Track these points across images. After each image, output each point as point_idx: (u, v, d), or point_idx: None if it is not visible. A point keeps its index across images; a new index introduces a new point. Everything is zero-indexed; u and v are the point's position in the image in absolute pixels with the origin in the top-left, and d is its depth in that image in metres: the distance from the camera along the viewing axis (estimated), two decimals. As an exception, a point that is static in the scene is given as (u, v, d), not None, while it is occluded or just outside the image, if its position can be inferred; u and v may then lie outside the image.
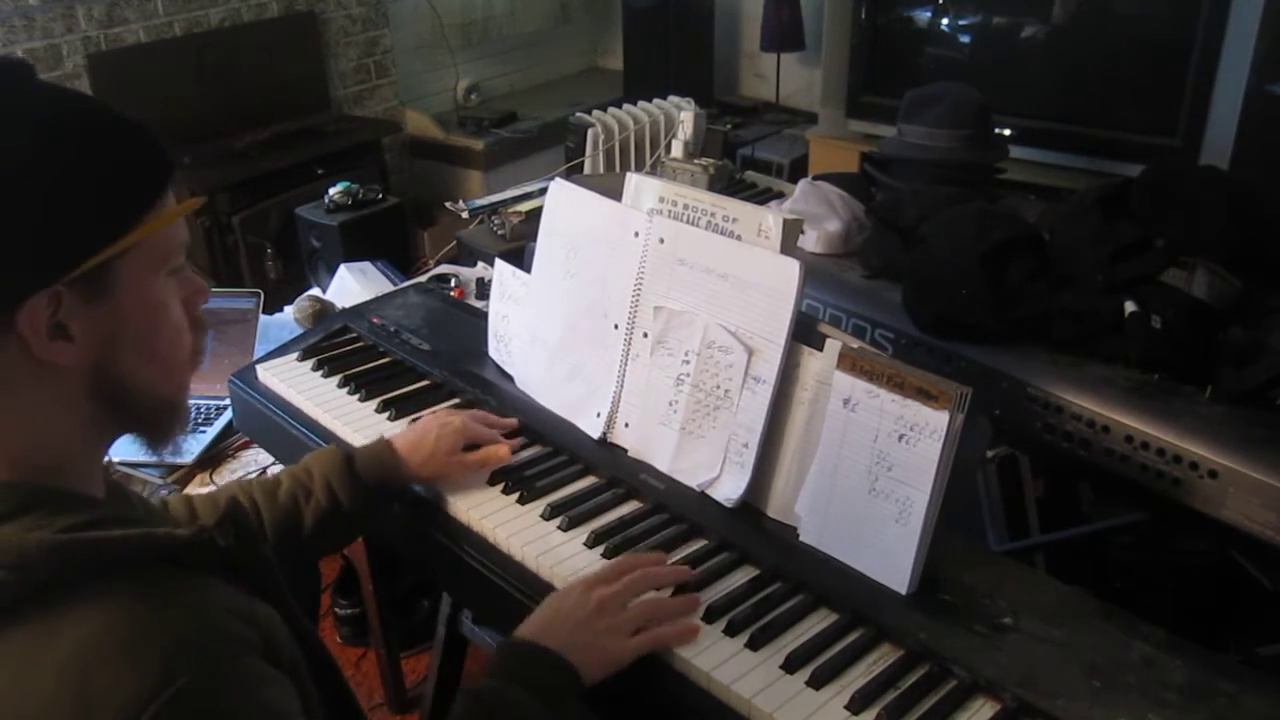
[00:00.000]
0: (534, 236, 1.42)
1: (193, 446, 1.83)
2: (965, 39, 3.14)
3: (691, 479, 1.22)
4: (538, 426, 1.35)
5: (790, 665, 0.97)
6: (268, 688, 0.73)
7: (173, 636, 0.69)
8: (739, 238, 1.20)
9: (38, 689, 0.66)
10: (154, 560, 0.74)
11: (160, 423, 0.84)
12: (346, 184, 2.86)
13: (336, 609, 2.35)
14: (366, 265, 2.39)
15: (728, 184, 2.24)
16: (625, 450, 1.29)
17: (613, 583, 1.03)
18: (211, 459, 1.83)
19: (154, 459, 0.87)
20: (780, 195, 2.16)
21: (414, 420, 1.35)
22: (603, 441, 1.31)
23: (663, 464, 1.25)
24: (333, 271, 2.42)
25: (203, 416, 1.91)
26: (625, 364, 1.29)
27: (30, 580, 0.69)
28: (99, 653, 0.67)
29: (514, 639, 0.99)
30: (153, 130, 0.80)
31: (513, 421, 1.34)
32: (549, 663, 0.96)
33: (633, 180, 1.32)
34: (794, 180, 2.09)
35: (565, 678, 0.95)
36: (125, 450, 0.88)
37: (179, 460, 1.80)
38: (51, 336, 0.73)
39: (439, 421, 1.25)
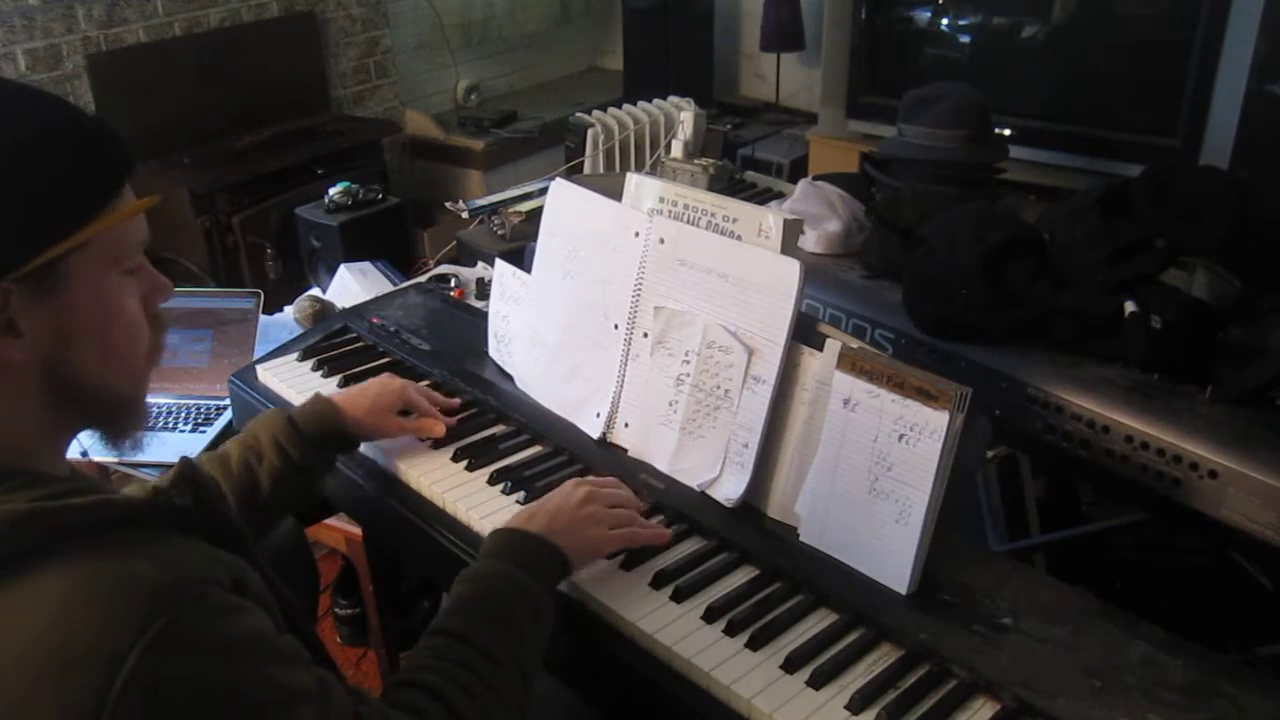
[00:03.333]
0: (534, 236, 1.42)
1: (193, 446, 1.83)
2: (965, 39, 3.14)
3: (691, 479, 1.22)
4: (538, 426, 1.35)
5: (790, 665, 0.97)
6: (243, 616, 0.75)
7: (148, 582, 0.70)
8: (739, 238, 1.20)
9: (18, 651, 0.68)
10: (117, 524, 0.75)
11: (117, 418, 0.85)
12: (346, 184, 2.86)
13: (336, 609, 2.35)
14: (366, 265, 2.39)
15: (728, 184, 2.24)
16: (625, 450, 1.29)
17: (600, 484, 1.14)
18: (211, 459, 1.83)
19: (118, 455, 0.88)
20: (780, 195, 2.16)
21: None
22: (603, 441, 1.31)
23: (663, 464, 1.25)
24: (333, 271, 2.42)
25: (203, 416, 1.91)
26: (625, 364, 1.29)
27: None
28: (77, 608, 0.68)
29: (502, 528, 1.06)
30: (111, 126, 0.80)
31: (455, 402, 1.40)
32: (535, 544, 1.03)
33: (633, 180, 1.32)
34: (794, 180, 2.09)
35: (551, 558, 1.03)
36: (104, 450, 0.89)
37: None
38: (0, 333, 0.74)
39: (380, 382, 1.33)
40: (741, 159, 3.85)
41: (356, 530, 1.82)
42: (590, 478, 1.17)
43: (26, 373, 0.77)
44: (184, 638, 0.70)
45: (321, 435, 1.24)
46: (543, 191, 1.94)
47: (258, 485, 1.18)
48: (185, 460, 0.98)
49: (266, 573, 0.87)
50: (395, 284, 2.27)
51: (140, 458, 1.79)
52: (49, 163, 0.75)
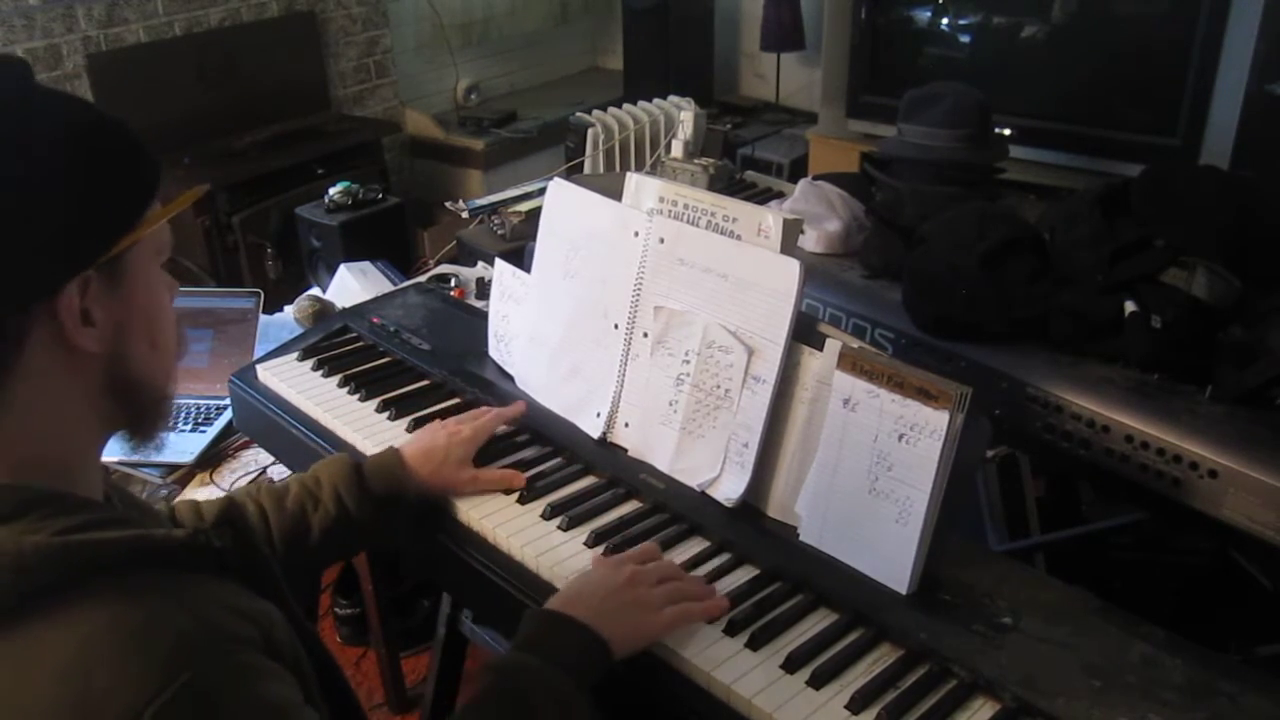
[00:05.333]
0: (534, 236, 1.42)
1: (193, 446, 1.83)
2: (965, 39, 3.14)
3: (691, 479, 1.22)
4: (538, 426, 1.35)
5: (790, 665, 0.97)
6: (269, 682, 0.73)
7: (173, 633, 0.69)
8: (739, 237, 1.20)
9: (37, 692, 0.66)
10: (150, 562, 0.73)
11: (153, 414, 0.86)
12: (346, 184, 2.86)
13: (336, 609, 2.35)
14: (366, 265, 2.39)
15: (728, 184, 2.25)
16: (625, 450, 1.29)
17: (646, 561, 1.05)
18: (211, 459, 1.83)
19: (138, 456, 0.88)
20: (780, 195, 2.16)
21: (415, 420, 1.35)
22: (603, 441, 1.31)
23: (663, 464, 1.25)
24: (333, 271, 2.42)
25: (203, 416, 1.91)
26: (625, 364, 1.29)
27: (26, 583, 0.68)
28: (99, 653, 0.67)
29: (542, 610, 0.98)
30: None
31: (521, 406, 1.34)
32: (577, 634, 0.94)
33: (633, 180, 1.32)
34: (794, 180, 2.09)
35: (594, 650, 0.94)
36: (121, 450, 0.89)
37: (180, 460, 1.80)
38: (80, 322, 0.75)
39: (449, 432, 1.25)
40: (741, 159, 3.86)
41: (356, 530, 1.82)
42: (630, 553, 1.08)
43: (95, 367, 0.77)
44: (203, 698, 0.67)
45: (385, 493, 1.17)
46: (543, 191, 1.94)
47: (308, 531, 1.14)
48: (229, 500, 0.97)
49: (294, 610, 0.85)
50: (395, 284, 2.27)
51: (138, 456, 1.79)
52: (115, 153, 0.77)
